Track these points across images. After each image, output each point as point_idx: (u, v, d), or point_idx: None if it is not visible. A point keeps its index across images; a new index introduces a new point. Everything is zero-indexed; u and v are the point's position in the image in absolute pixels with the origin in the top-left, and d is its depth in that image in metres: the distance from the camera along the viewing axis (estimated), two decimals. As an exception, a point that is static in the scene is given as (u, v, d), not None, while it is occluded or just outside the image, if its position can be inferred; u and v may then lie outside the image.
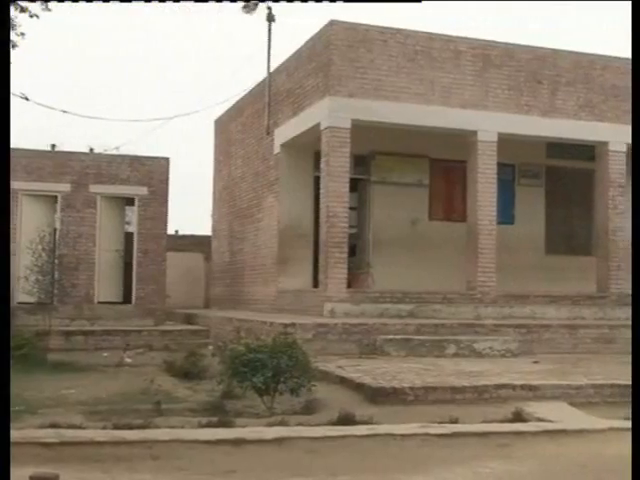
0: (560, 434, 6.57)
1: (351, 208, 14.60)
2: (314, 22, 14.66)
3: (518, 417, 7.25)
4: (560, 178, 17.53)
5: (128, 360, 11.90)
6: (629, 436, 6.59)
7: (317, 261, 14.39)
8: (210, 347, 12.34)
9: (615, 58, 15.22)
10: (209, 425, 6.52)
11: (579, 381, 9.02)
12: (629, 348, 13.47)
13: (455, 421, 6.89)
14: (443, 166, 16.55)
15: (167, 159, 16.97)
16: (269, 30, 16.43)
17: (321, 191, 13.90)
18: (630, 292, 14.97)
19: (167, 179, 16.84)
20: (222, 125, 20.63)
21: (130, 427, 6.27)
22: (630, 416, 7.44)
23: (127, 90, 48.42)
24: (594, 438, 6.52)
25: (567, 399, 8.49)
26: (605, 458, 5.89)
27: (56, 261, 14.60)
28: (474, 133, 14.17)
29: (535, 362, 11.07)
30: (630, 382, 8.91)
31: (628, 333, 13.24)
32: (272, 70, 16.45)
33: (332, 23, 13.67)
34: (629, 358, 12.31)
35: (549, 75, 14.72)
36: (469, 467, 5.52)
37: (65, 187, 16.06)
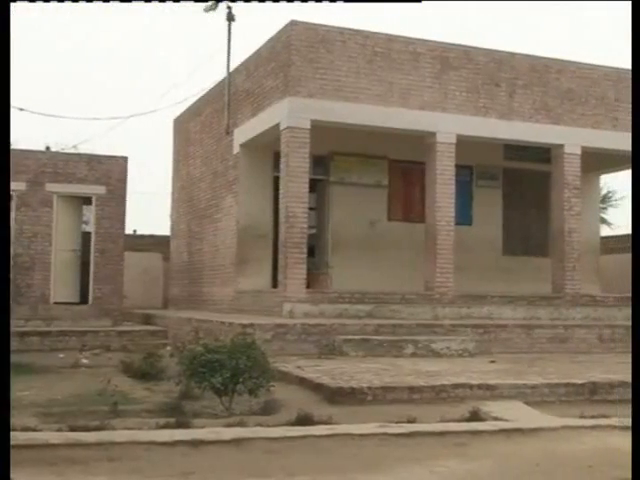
0: (516, 433, 6.66)
1: (310, 209, 14.63)
2: (275, 22, 14.67)
3: (475, 416, 7.32)
4: (517, 180, 17.77)
5: (84, 361, 11.77)
6: (582, 434, 6.72)
7: (276, 261, 14.38)
8: (168, 348, 12.24)
9: (571, 62, 15.47)
10: (167, 426, 6.47)
11: (534, 380, 9.13)
12: (582, 347, 13.81)
13: (413, 421, 6.94)
14: (402, 167, 16.66)
15: (125, 158, 16.81)
16: (229, 29, 16.38)
17: (280, 191, 13.89)
18: (584, 292, 15.28)
19: (125, 178, 16.68)
20: (181, 125, 20.50)
21: (86, 429, 6.20)
22: (585, 414, 7.57)
23: (86, 88, 47.88)
24: (548, 436, 6.61)
25: (523, 398, 8.59)
26: (558, 456, 5.98)
27: (11, 261, 14.38)
28: (433, 134, 14.29)
29: (492, 362, 11.19)
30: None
31: (582, 333, 13.52)
32: (232, 70, 16.40)
33: (292, 23, 13.68)
34: (583, 357, 12.60)
35: (506, 78, 14.90)
36: (426, 466, 5.56)
37: (20, 186, 15.81)
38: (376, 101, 13.97)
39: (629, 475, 5.37)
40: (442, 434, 6.49)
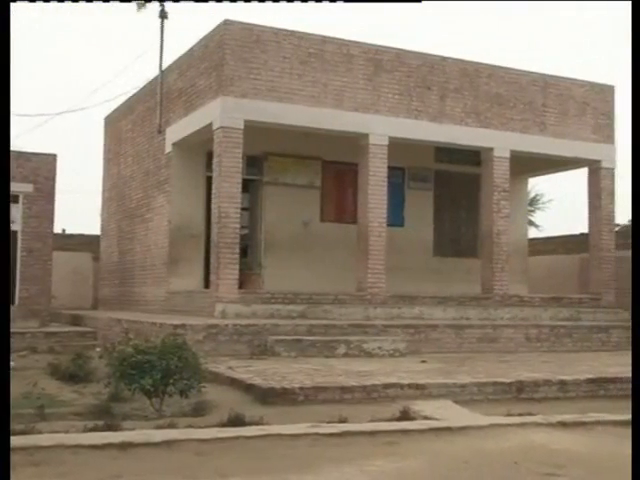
0: (445, 431, 6.75)
1: (243, 209, 14.59)
2: (210, 20, 14.57)
3: (405, 415, 7.40)
4: (448, 182, 18.03)
5: (11, 363, 11.46)
6: (509, 432, 6.86)
7: (209, 262, 14.28)
8: (98, 349, 12.03)
9: (500, 67, 15.77)
10: (95, 429, 6.36)
11: (464, 380, 9.28)
12: (510, 347, 14.09)
13: (344, 420, 6.97)
14: (335, 168, 16.74)
15: (54, 156, 16.46)
16: (162, 27, 16.19)
17: (213, 191, 13.81)
18: (512, 293, 15.60)
19: (54, 176, 16.34)
20: (112, 123, 20.18)
21: (10, 433, 6.04)
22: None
23: (13, 84, 46.70)
24: (477, 434, 6.73)
25: (452, 397, 8.73)
26: (486, 453, 6.09)
27: None
28: (366, 136, 14.39)
29: (422, 361, 11.33)
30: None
31: (510, 332, 13.80)
32: (164, 68, 16.22)
33: (226, 22, 13.61)
34: (510, 356, 12.86)
35: (438, 81, 15.11)
36: (357, 465, 5.60)
37: (-57, 183, 15.33)
38: (310, 102, 14.01)
39: (553, 471, 5.51)
40: (373, 433, 6.53)
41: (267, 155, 16.17)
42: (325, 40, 14.29)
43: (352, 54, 14.42)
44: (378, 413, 7.48)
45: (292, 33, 14.05)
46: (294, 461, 5.71)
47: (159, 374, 7.25)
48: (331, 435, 6.40)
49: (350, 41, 14.51)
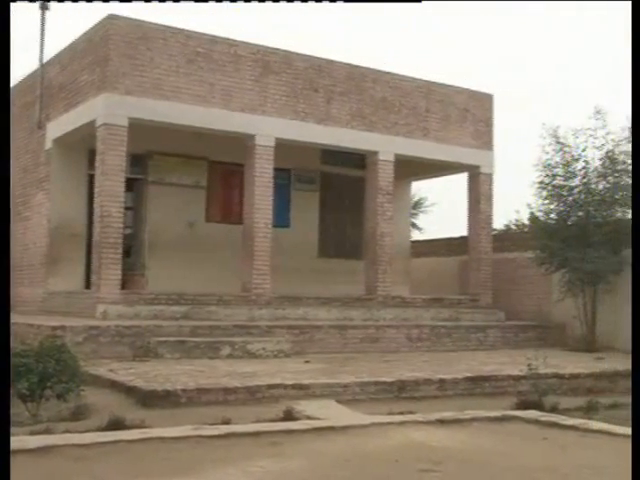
0: (328, 431, 6.83)
1: (127, 208, 14.30)
2: (94, 14, 14.22)
3: (289, 416, 7.45)
4: (334, 184, 18.23)
5: None
6: (390, 430, 7.00)
7: (90, 262, 13.92)
8: (-30, 352, 11.54)
9: (386, 72, 16.08)
10: (-35, 436, 6.09)
11: (346, 379, 9.42)
12: (392, 346, 14.39)
13: (228, 422, 6.95)
14: (221, 169, 16.65)
15: None
16: (42, 19, 15.66)
17: (95, 190, 13.48)
18: (395, 294, 15.93)
19: None
20: (-12, 116, 19.36)
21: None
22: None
23: None
24: (359, 433, 6.84)
25: (335, 397, 8.85)
26: (368, 452, 6.20)
27: None
28: (252, 137, 14.38)
29: (306, 362, 11.43)
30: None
31: (392, 332, 14.12)
32: (45, 62, 15.70)
33: (111, 17, 13.31)
34: (392, 356, 13.12)
35: (324, 84, 15.27)
36: (241, 467, 5.59)
37: None
38: (197, 101, 13.88)
39: (431, 467, 5.67)
40: (257, 434, 6.54)
41: (152, 154, 15.91)
42: (214, 40, 14.19)
43: (240, 55, 14.38)
44: (262, 414, 7.50)
45: (180, 31, 13.88)
46: (176, 464, 5.65)
47: (36, 377, 7.04)
48: (214, 437, 6.36)
49: (239, 41, 14.46)
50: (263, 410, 7.75)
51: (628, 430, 7.10)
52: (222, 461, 5.76)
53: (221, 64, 14.16)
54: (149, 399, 7.99)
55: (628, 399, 10.40)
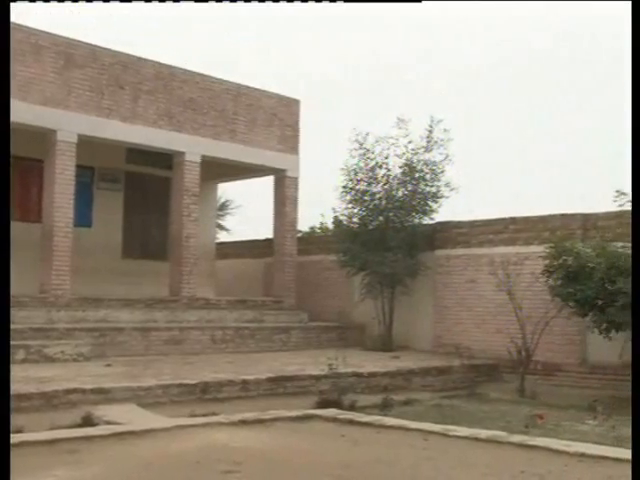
0: (128, 435, 6.70)
1: None
2: None
3: (88, 421, 7.25)
4: (139, 184, 17.86)
5: None
6: (193, 432, 6.99)
7: None
8: None
9: (196, 73, 15.98)
10: None
11: (149, 382, 9.29)
12: (197, 348, 14.33)
13: (21, 430, 6.65)
14: (19, 164, 15.78)
15: None
16: None
17: None
18: (199, 296, 15.88)
19: None
20: None
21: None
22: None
23: None
24: (161, 437, 6.77)
25: (137, 400, 8.70)
26: (170, 455, 6.15)
27: None
28: (53, 132, 13.80)
29: (107, 365, 11.15)
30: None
31: (196, 334, 14.09)
32: None
33: None
34: (196, 358, 13.10)
35: (132, 82, 14.94)
36: (34, 477, 5.37)
37: None
38: (-8, 91, 13.11)
39: (232, 468, 5.73)
40: (53, 442, 6.30)
41: (-59, 145, 14.85)
42: (13, 27, 13.45)
43: (41, 45, 13.76)
44: (59, 420, 7.25)
45: (-26, 16, 13.06)
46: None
47: None
48: (6, 446, 6.06)
49: (40, 31, 13.81)
50: (60, 416, 7.49)
51: (421, 425, 7.54)
52: (15, 472, 5.50)
53: (20, 53, 13.47)
54: None
55: (421, 395, 11.07)
